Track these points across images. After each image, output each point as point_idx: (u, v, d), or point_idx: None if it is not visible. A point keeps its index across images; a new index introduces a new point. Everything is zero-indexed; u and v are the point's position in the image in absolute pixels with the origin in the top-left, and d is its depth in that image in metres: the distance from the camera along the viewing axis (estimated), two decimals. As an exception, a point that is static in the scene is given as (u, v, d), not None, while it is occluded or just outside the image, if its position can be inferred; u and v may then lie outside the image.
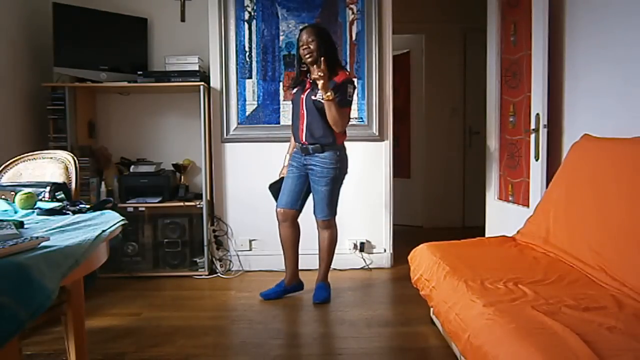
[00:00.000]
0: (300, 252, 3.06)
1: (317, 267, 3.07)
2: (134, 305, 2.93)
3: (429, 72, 5.00)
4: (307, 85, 2.87)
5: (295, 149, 3.00)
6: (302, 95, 2.86)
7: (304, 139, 2.86)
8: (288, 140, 3.17)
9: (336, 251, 3.57)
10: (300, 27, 3.02)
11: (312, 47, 2.76)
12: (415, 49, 5.09)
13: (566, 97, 2.74)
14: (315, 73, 2.69)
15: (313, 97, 2.81)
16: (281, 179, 3.05)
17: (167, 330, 2.53)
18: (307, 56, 2.78)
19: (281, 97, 3.54)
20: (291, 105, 3.00)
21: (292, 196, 2.95)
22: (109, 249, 1.56)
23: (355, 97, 3.51)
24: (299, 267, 3.08)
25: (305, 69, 2.88)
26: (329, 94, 2.67)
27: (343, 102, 2.77)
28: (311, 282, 3.06)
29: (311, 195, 2.96)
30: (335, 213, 2.97)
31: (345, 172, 2.94)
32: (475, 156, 4.73)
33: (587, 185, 2.13)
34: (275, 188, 3.05)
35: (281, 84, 3.54)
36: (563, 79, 2.76)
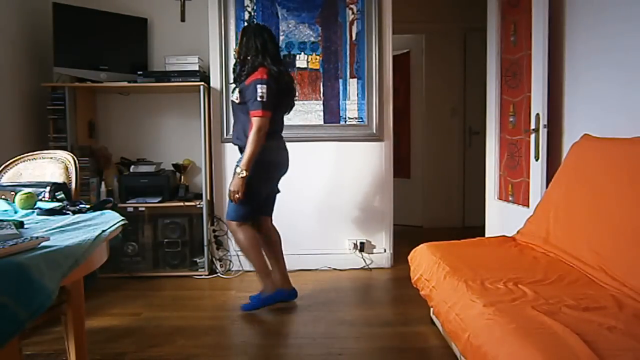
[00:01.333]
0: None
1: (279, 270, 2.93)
2: (134, 305, 2.93)
3: (429, 72, 5.00)
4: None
5: None
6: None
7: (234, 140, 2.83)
8: (288, 140, 3.16)
9: (336, 251, 3.59)
10: None
11: (237, 48, 2.80)
12: (415, 49, 5.08)
13: (566, 97, 2.74)
14: None
15: (231, 98, 2.77)
16: None
17: (167, 330, 2.53)
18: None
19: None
20: None
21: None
22: (109, 249, 1.56)
23: (355, 96, 3.55)
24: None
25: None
26: (242, 174, 2.58)
27: (254, 105, 2.57)
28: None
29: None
30: (239, 219, 2.73)
31: (261, 176, 2.67)
32: (475, 156, 4.73)
33: (587, 185, 2.13)
34: None
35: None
36: (563, 79, 2.76)
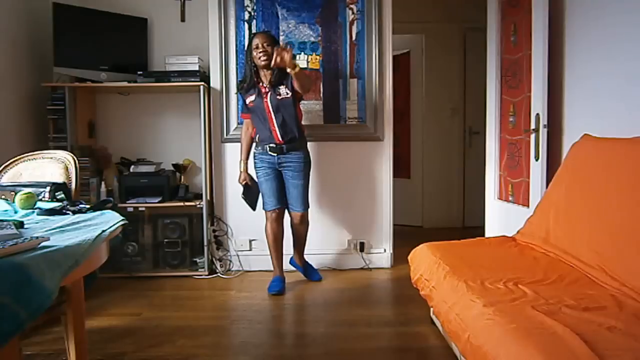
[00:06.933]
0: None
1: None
2: (134, 305, 2.93)
3: (429, 72, 5.00)
4: (263, 89, 3.01)
5: (260, 152, 3.10)
6: (266, 99, 2.99)
7: (279, 139, 3.03)
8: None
9: (336, 251, 3.62)
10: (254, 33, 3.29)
11: (268, 50, 2.92)
12: (415, 49, 5.08)
13: (566, 97, 2.74)
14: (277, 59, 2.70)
15: (279, 97, 2.97)
16: (253, 186, 3.19)
17: (167, 330, 2.53)
18: (264, 59, 2.94)
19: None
20: (252, 111, 3.08)
21: (278, 196, 3.12)
22: (109, 249, 1.56)
23: (355, 96, 3.57)
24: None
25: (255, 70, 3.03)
26: (296, 69, 2.75)
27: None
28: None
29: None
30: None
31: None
32: (475, 156, 4.72)
33: (587, 185, 2.13)
34: (250, 194, 3.20)
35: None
36: (563, 79, 2.76)
